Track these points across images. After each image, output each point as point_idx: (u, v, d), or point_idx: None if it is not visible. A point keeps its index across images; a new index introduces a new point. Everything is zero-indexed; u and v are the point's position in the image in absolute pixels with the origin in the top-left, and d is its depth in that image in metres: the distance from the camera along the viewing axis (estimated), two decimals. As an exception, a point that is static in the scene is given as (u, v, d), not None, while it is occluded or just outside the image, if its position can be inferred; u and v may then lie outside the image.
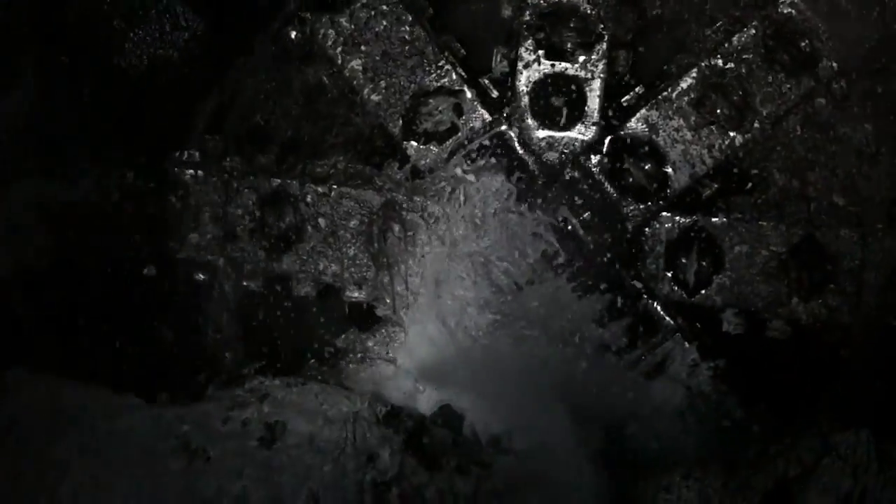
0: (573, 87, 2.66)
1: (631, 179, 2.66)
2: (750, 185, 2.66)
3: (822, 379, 2.61)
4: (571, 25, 2.66)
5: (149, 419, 2.45)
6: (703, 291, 2.64)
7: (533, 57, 2.67)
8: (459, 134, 2.67)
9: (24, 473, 2.32)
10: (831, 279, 2.60)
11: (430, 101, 2.70)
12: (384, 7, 2.68)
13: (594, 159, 2.66)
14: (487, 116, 2.68)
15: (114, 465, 2.35)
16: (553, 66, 2.67)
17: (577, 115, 2.66)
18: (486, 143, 2.68)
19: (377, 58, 2.69)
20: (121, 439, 2.39)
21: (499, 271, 2.63)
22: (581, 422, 2.54)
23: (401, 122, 2.70)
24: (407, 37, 2.68)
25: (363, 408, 2.53)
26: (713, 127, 2.62)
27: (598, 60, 2.65)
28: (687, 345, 2.63)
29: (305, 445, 2.44)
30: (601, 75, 2.65)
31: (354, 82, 2.70)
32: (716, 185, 2.66)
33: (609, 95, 2.66)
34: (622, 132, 2.65)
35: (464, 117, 2.69)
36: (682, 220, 2.65)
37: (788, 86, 2.61)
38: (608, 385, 2.59)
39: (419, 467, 2.44)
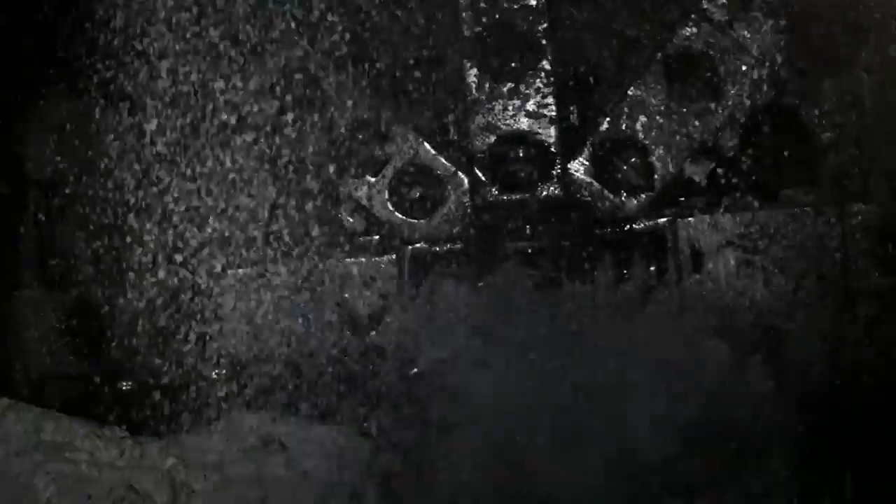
0: (412, 173, 2.67)
1: (522, 174, 2.67)
2: (592, 77, 2.66)
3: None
4: (361, 137, 2.67)
5: (133, 452, 2.44)
6: (655, 177, 2.64)
7: (364, 187, 2.68)
8: (388, 303, 2.68)
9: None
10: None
11: (346, 294, 2.71)
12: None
13: (486, 193, 2.66)
14: (392, 258, 2.69)
15: (96, 498, 2.36)
16: (383, 175, 2.68)
17: (442, 186, 2.67)
18: (413, 274, 2.68)
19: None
20: (103, 472, 2.39)
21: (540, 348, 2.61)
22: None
23: (354, 341, 2.69)
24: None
25: (348, 445, 2.54)
26: (527, 80, 2.62)
27: (403, 136, 2.66)
28: (691, 220, 2.63)
29: (290, 481, 2.45)
30: (419, 143, 2.65)
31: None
32: (575, 110, 2.66)
33: (442, 147, 2.67)
34: (480, 155, 2.65)
35: (378, 283, 2.69)
36: (588, 155, 2.65)
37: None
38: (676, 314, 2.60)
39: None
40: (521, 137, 2.66)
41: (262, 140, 2.60)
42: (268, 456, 2.50)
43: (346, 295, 2.70)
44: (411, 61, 2.70)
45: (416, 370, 2.68)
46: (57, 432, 2.46)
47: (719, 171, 2.61)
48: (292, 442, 2.52)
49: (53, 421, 2.48)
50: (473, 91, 2.65)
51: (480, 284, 2.66)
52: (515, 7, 2.63)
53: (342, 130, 2.65)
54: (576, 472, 2.43)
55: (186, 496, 2.42)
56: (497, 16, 2.63)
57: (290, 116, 2.62)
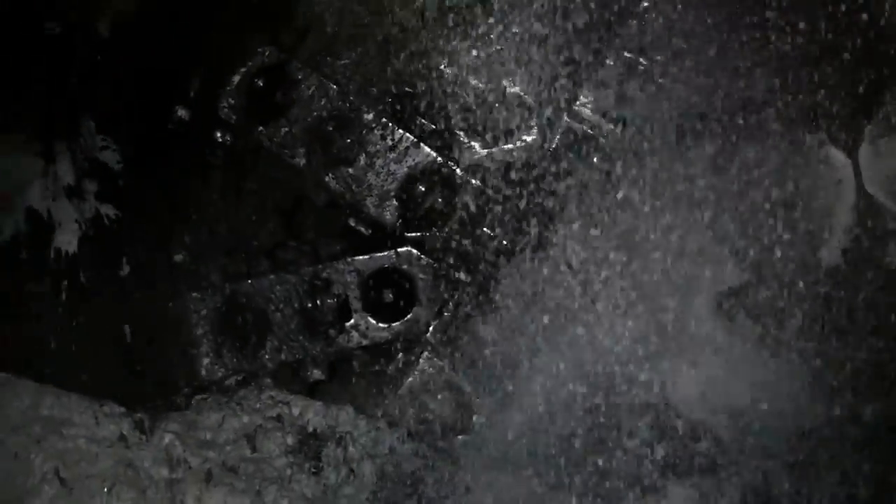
0: (372, 284, 2.66)
1: (439, 200, 2.66)
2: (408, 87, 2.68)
3: None
4: (310, 305, 2.68)
5: (131, 429, 2.46)
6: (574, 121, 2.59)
7: (354, 333, 2.67)
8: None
9: None
10: None
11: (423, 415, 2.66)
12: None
13: (434, 242, 2.67)
14: (415, 362, 2.65)
15: (93, 475, 2.38)
16: (354, 311, 2.66)
17: (400, 270, 2.65)
18: (440, 361, 2.66)
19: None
20: (101, 448, 2.43)
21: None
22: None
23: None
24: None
25: (343, 422, 2.55)
26: (369, 140, 2.63)
27: (337, 272, 2.66)
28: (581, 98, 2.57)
29: (287, 457, 2.49)
30: (349, 262, 2.65)
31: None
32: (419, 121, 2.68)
33: (369, 247, 2.66)
34: (399, 223, 2.66)
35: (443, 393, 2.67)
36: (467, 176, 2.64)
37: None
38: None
39: (397, 482, 2.54)
40: (412, 179, 2.64)
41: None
42: (267, 434, 2.52)
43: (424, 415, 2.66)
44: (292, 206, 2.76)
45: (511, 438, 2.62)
46: (55, 408, 2.49)
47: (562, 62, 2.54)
48: (291, 420, 2.55)
49: (52, 396, 2.50)
50: (344, 190, 2.65)
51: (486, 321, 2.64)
52: (309, 105, 2.66)
53: (285, 325, 2.67)
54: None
55: (183, 472, 2.45)
56: (307, 119, 2.65)
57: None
